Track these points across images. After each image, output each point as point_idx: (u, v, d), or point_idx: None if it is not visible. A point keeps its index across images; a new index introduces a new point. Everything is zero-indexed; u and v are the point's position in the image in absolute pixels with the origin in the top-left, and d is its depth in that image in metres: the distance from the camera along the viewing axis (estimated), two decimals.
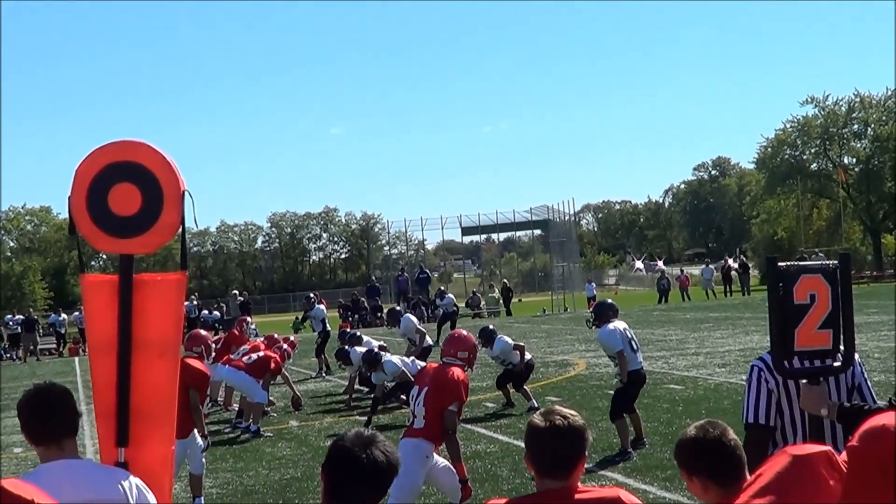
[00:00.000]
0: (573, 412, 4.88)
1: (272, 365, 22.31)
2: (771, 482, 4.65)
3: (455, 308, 49.22)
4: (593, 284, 70.03)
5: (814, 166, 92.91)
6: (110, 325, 6.16)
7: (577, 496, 4.75)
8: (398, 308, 33.78)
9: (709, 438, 4.77)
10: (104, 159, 6.21)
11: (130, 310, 6.14)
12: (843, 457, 5.12)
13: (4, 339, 59.97)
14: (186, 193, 6.22)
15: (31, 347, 57.75)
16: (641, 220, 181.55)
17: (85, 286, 6.40)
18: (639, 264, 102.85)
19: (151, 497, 5.55)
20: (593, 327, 17.50)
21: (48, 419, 5.37)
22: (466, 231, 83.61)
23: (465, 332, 12.63)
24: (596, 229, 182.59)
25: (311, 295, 37.81)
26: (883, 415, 4.78)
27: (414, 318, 27.33)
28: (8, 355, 57.79)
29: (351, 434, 4.58)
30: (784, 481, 4.67)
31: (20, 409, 5.48)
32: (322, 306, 35.30)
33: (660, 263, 69.82)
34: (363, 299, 62.85)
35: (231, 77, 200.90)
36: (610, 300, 18.00)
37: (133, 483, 5.47)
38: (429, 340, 26.09)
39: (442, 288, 59.04)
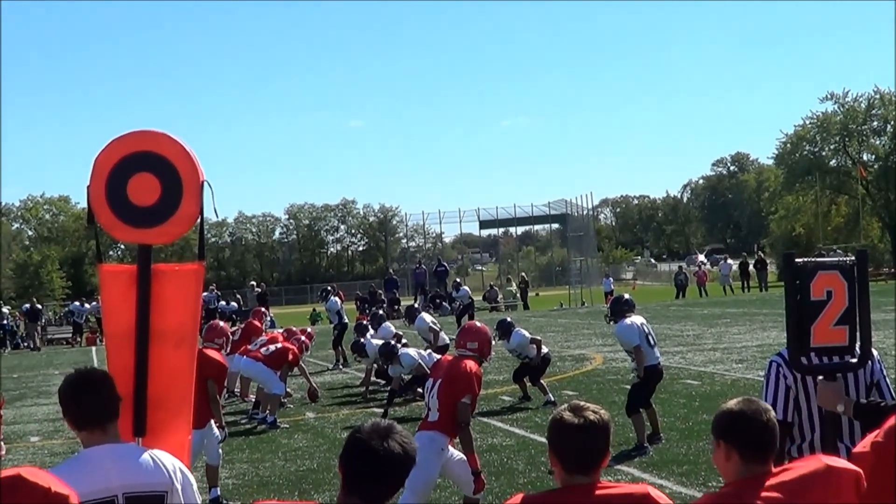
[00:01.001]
0: (599, 407, 4.91)
1: (290, 356, 22.31)
2: (793, 481, 4.67)
3: (470, 300, 49.27)
4: (611, 279, 69.89)
5: (833, 163, 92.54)
6: (128, 315, 6.17)
7: (602, 491, 4.78)
8: (416, 306, 33.72)
9: (746, 412, 4.82)
10: (124, 149, 6.21)
11: (148, 299, 6.15)
12: (860, 448, 5.13)
13: (22, 328, 60.15)
14: (205, 184, 6.23)
15: (34, 336, 58.03)
16: (659, 214, 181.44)
17: (102, 275, 6.41)
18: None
19: (193, 480, 5.59)
20: (611, 322, 17.49)
21: (91, 403, 5.40)
22: (484, 224, 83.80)
23: (478, 324, 12.59)
24: (614, 224, 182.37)
25: (328, 288, 37.82)
26: None
27: (428, 318, 27.16)
28: (25, 344, 57.97)
29: (368, 425, 4.59)
30: (805, 485, 4.68)
31: (62, 394, 5.49)
32: (337, 299, 35.27)
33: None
34: (380, 292, 62.91)
35: (253, 68, 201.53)
36: (627, 295, 17.95)
37: (177, 466, 5.52)
38: (445, 339, 25.92)
39: (458, 280, 59.01)
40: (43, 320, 61.64)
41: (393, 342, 23.31)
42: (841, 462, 4.91)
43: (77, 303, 64.47)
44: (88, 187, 6.22)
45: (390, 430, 4.56)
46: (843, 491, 4.73)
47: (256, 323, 26.27)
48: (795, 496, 4.63)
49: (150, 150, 6.18)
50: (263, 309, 31.59)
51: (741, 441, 4.78)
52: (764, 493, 4.62)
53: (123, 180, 6.16)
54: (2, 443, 4.55)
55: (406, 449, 4.53)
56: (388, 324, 27.86)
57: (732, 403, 4.94)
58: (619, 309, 16.95)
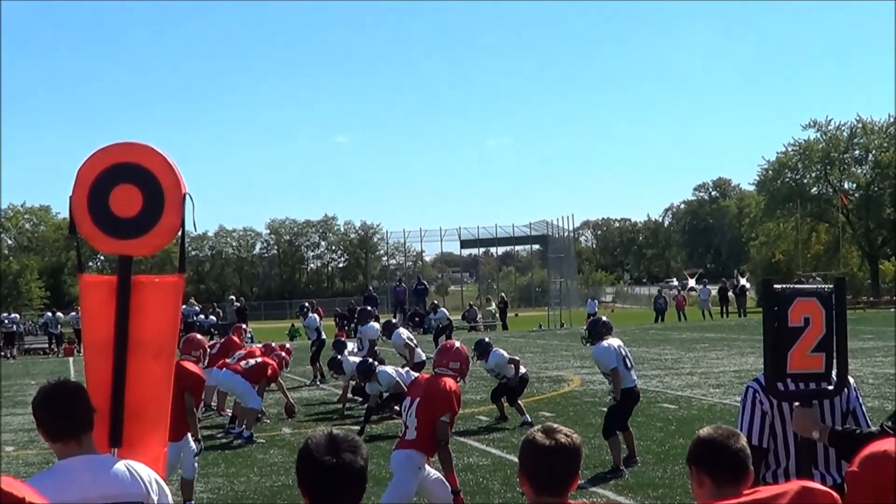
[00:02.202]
0: (571, 431, 4.95)
1: (269, 371, 22.28)
2: (766, 499, 4.70)
3: (448, 321, 49.36)
4: (596, 301, 69.80)
5: (814, 190, 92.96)
6: (107, 326, 6.18)
7: None
8: (394, 321, 33.74)
9: (719, 439, 4.91)
10: (107, 160, 6.24)
11: (128, 310, 6.16)
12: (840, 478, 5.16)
13: (0, 337, 59.98)
14: (187, 196, 6.24)
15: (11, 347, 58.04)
16: (640, 238, 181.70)
17: (82, 286, 6.42)
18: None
19: (169, 492, 5.58)
20: (587, 344, 17.52)
21: (66, 415, 5.38)
22: (465, 244, 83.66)
23: (457, 344, 12.62)
24: (594, 246, 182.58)
25: (306, 304, 37.81)
26: (883, 441, 4.81)
27: (405, 334, 27.23)
28: (2, 353, 57.79)
29: (313, 444, 4.53)
30: (777, 502, 4.70)
31: (36, 406, 5.48)
32: (316, 315, 35.29)
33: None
34: (360, 308, 62.79)
35: (237, 81, 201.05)
36: (604, 318, 18.00)
37: (153, 478, 5.51)
38: (421, 355, 25.97)
39: (435, 302, 59.05)
40: (23, 329, 61.36)
41: (370, 360, 23.31)
42: (817, 486, 4.95)
43: (49, 313, 64.30)
44: (71, 197, 6.24)
45: (339, 441, 4.51)
46: None
47: (235, 339, 26.30)
48: None
49: (133, 162, 6.20)
50: (244, 325, 31.57)
51: (713, 467, 4.87)
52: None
53: (106, 191, 6.18)
54: None
55: (357, 459, 4.48)
56: (352, 346, 27.94)
57: (704, 431, 5.03)
58: (597, 331, 16.97)
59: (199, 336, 17.40)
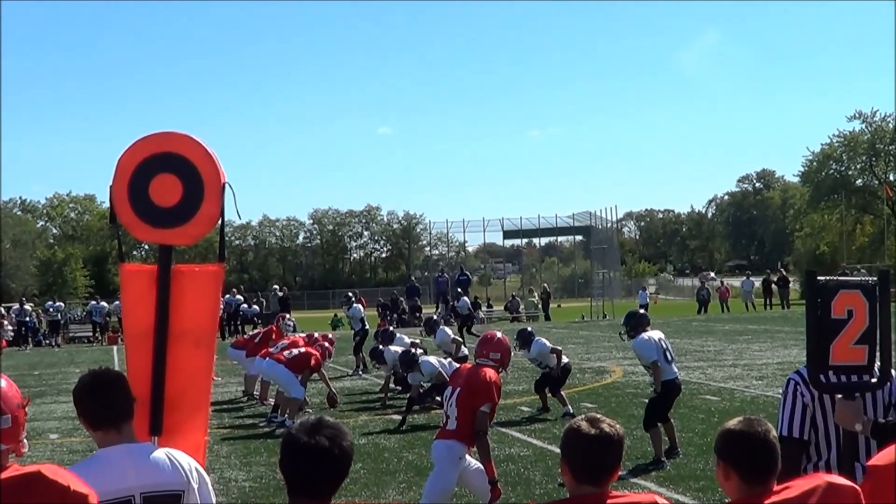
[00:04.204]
0: (615, 421, 4.96)
1: (312, 362, 22.22)
2: (796, 498, 4.69)
3: (469, 311, 49.20)
4: (647, 292, 69.28)
5: (859, 182, 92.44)
6: (147, 314, 6.21)
7: (611, 501, 4.80)
8: (435, 318, 33.75)
9: (746, 432, 4.87)
10: (147, 150, 6.26)
11: (168, 299, 6.19)
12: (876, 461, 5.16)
13: (44, 326, 60.28)
14: (227, 186, 6.25)
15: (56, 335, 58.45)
16: (684, 229, 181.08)
17: (123, 275, 6.45)
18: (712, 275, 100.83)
19: (209, 480, 5.59)
20: (625, 338, 17.49)
21: (106, 404, 5.38)
22: (508, 234, 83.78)
23: (498, 334, 12.57)
24: (637, 237, 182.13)
25: (350, 294, 37.84)
26: None
27: (449, 331, 27.29)
28: (47, 342, 58.08)
29: (304, 420, 4.57)
30: (809, 501, 4.70)
31: (77, 394, 5.49)
32: (360, 305, 35.38)
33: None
34: (402, 299, 62.90)
35: (283, 71, 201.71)
36: (642, 310, 17.94)
37: (193, 466, 5.52)
38: (464, 350, 26.07)
39: (459, 290, 58.90)
40: (66, 318, 61.63)
41: (413, 350, 23.30)
42: (839, 479, 4.94)
43: (94, 302, 64.60)
44: (111, 187, 6.27)
45: (318, 425, 4.52)
46: None
47: (276, 328, 26.36)
48: None
49: (172, 152, 6.22)
50: (287, 316, 31.61)
51: (739, 460, 4.84)
52: None
53: (146, 181, 6.20)
54: (25, 440, 4.56)
55: (335, 442, 4.48)
56: (401, 336, 27.87)
57: (733, 423, 4.99)
58: (636, 324, 16.95)
59: None
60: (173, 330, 6.20)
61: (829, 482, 4.85)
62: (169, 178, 6.20)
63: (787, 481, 4.89)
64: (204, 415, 6.48)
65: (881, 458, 5.12)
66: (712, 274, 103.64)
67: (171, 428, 6.18)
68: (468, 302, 50.55)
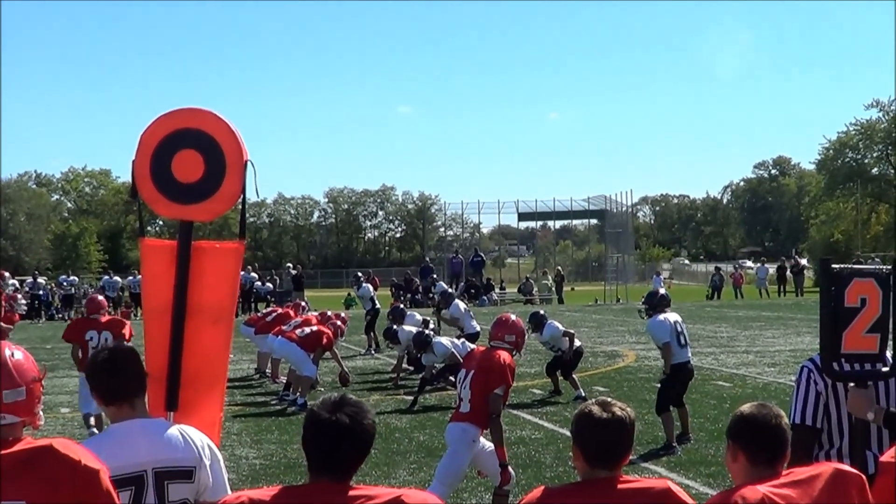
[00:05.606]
0: (626, 405, 4.98)
1: (324, 340, 22.24)
2: (803, 480, 4.74)
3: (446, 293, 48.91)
4: (661, 277, 69.16)
5: (875, 170, 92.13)
6: (166, 290, 6.23)
7: (623, 485, 4.82)
8: (451, 290, 33.71)
9: (757, 415, 4.94)
10: (170, 125, 6.28)
11: (187, 275, 6.21)
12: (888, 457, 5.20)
13: (58, 300, 60.40)
14: (249, 163, 6.28)
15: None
16: (699, 215, 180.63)
17: (144, 250, 6.48)
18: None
19: (221, 457, 5.62)
20: (644, 316, 17.58)
21: (118, 379, 5.42)
22: (523, 217, 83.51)
23: (513, 317, 12.58)
24: (652, 222, 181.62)
25: (360, 273, 37.81)
26: None
27: (462, 305, 27.29)
28: (60, 315, 58.18)
29: (327, 397, 4.58)
30: (814, 486, 4.74)
31: (89, 369, 5.53)
32: (369, 285, 35.38)
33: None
34: (416, 279, 62.87)
35: (303, 49, 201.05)
36: (663, 291, 17.99)
37: (205, 443, 5.54)
38: (475, 326, 26.11)
39: (434, 276, 58.57)
40: (82, 291, 61.67)
41: (426, 331, 23.32)
42: (846, 467, 4.99)
43: (107, 276, 64.63)
44: (134, 161, 6.29)
45: (341, 402, 4.50)
46: (848, 493, 4.81)
47: (291, 313, 26.25)
48: (801, 496, 4.69)
49: (196, 128, 6.24)
50: (303, 303, 31.56)
51: (749, 444, 4.89)
52: (770, 492, 4.67)
53: (168, 156, 6.23)
54: (41, 412, 4.60)
55: (357, 420, 4.45)
56: (413, 313, 27.89)
57: (746, 407, 5.05)
58: (655, 304, 17.02)
59: (100, 297, 19.03)
60: (192, 306, 6.22)
61: (836, 468, 4.92)
62: (192, 155, 6.22)
63: (794, 467, 4.94)
64: (220, 391, 6.51)
65: (894, 453, 5.15)
66: (749, 262, 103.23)
67: (187, 403, 6.21)
68: (444, 286, 50.68)
